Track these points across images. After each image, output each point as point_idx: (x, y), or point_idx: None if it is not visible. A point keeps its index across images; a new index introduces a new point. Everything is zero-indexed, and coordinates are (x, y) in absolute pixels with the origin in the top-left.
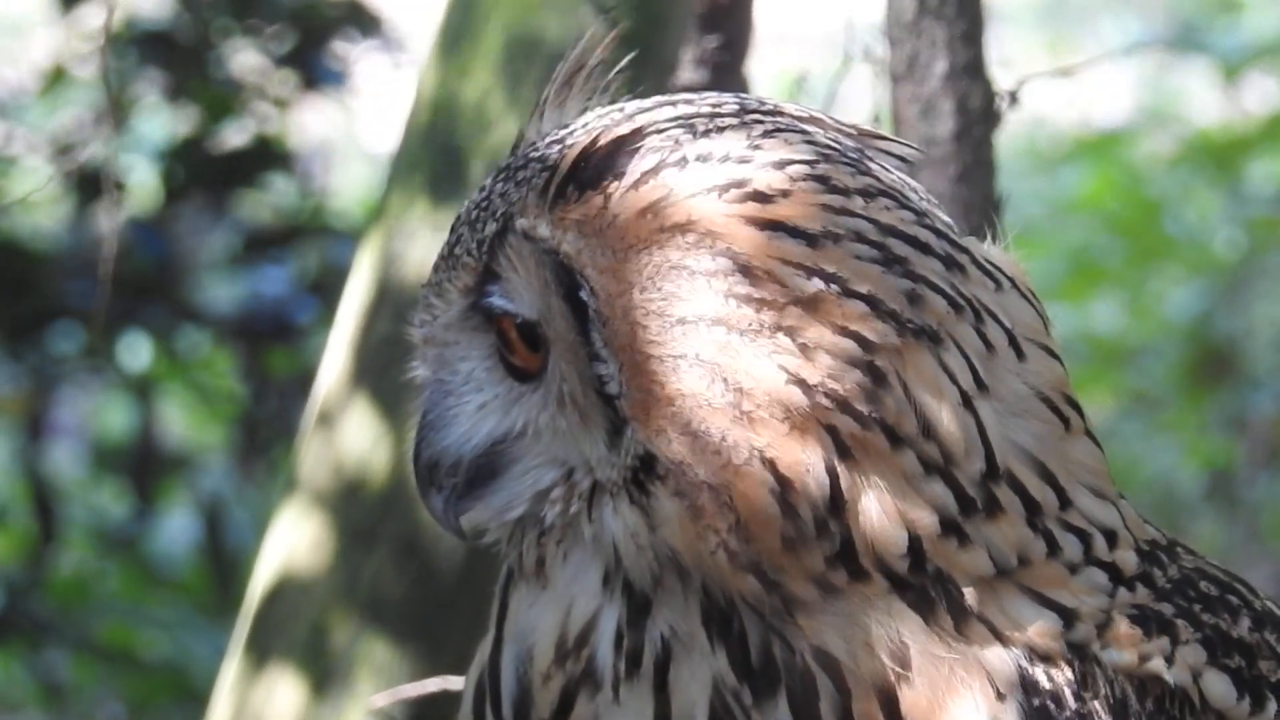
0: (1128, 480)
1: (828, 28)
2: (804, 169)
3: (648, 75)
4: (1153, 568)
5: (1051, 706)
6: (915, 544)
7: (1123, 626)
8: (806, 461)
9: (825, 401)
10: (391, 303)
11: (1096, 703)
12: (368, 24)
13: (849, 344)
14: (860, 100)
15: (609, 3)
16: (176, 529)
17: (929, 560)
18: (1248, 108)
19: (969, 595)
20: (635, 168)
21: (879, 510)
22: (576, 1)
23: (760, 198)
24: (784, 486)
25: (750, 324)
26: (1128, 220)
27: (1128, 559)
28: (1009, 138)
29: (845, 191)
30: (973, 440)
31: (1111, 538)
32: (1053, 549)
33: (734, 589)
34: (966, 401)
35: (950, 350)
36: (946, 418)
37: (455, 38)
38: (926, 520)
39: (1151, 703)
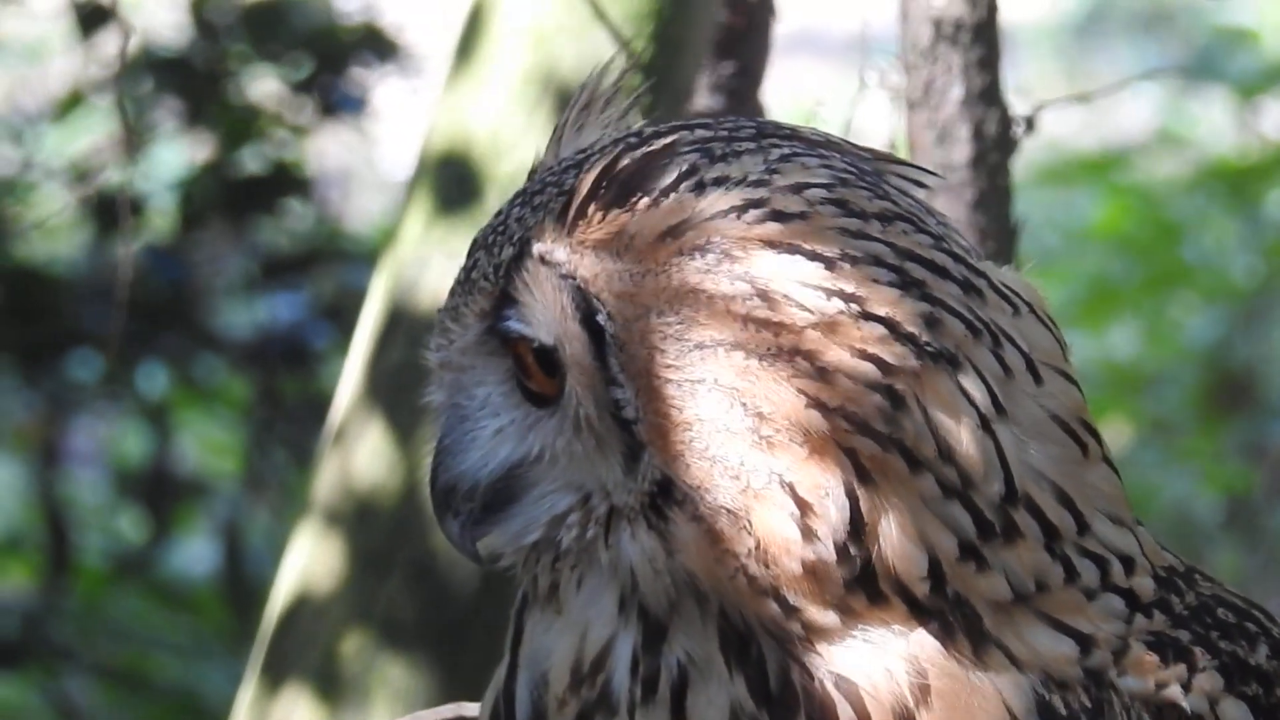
0: (1145, 507)
1: (843, 54)
2: (821, 192)
3: (664, 101)
4: (1170, 594)
5: None
6: (935, 567)
7: (1139, 653)
8: (826, 485)
9: (845, 424)
10: (406, 328)
11: None
12: (385, 49)
13: (868, 367)
14: (876, 126)
15: (625, 30)
16: (194, 555)
17: (949, 584)
18: (1265, 133)
19: (988, 621)
20: (653, 189)
21: (899, 533)
22: (592, 28)
23: (778, 220)
24: (804, 510)
25: (769, 348)
26: (1145, 246)
27: (1145, 585)
28: (1026, 164)
29: (862, 215)
30: (992, 463)
31: (1129, 564)
32: (1070, 575)
33: (752, 614)
34: (985, 424)
35: (968, 374)
36: (965, 441)
37: (470, 64)
38: (946, 544)
39: None
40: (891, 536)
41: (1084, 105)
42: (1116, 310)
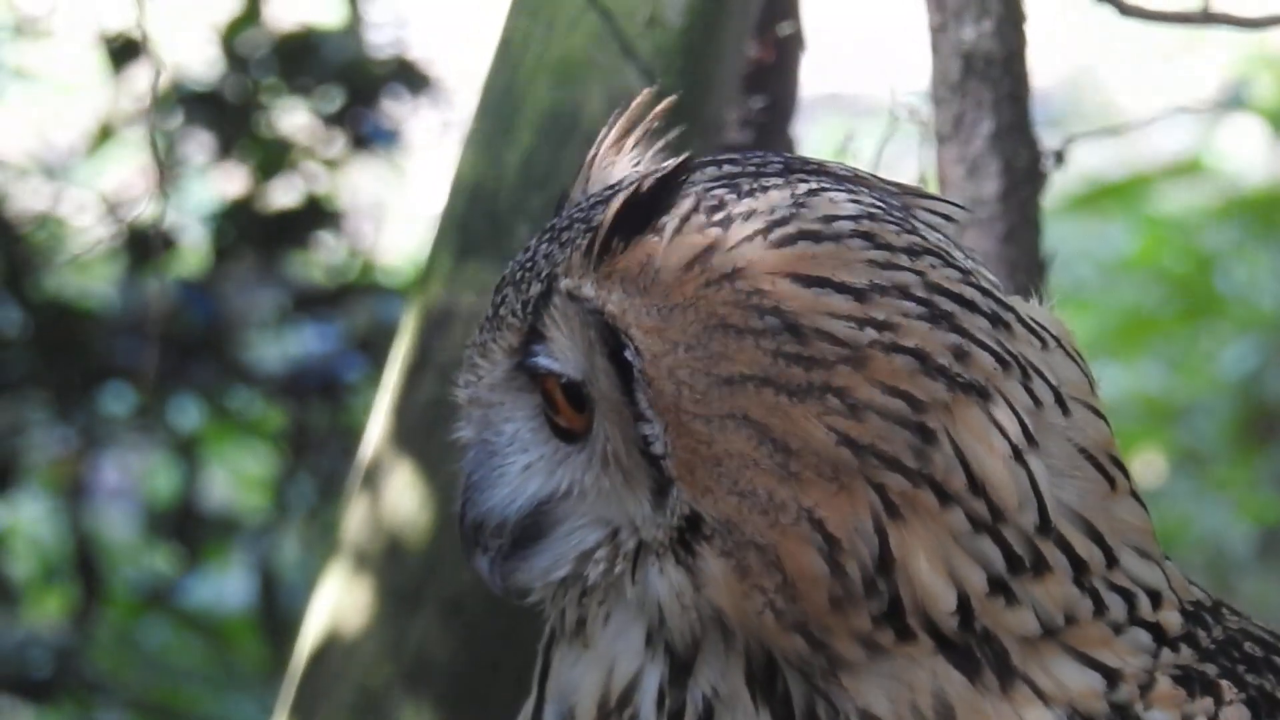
0: (1178, 539)
1: (873, 88)
2: (849, 225)
3: (693, 136)
4: (1197, 629)
5: None
6: (964, 602)
7: (1165, 687)
8: (855, 521)
9: (875, 461)
10: (436, 365)
11: None
12: (417, 82)
13: (899, 404)
14: (906, 161)
15: (654, 65)
16: (228, 588)
17: (977, 619)
18: None
19: (1015, 656)
20: (681, 223)
21: (928, 569)
22: (621, 63)
23: (805, 253)
24: (832, 546)
25: (800, 384)
26: (1177, 277)
27: (1172, 619)
28: (1055, 193)
29: (890, 248)
30: (1025, 494)
31: (1156, 598)
32: (1099, 608)
33: (779, 649)
34: (1018, 455)
35: (999, 405)
36: (997, 472)
37: (499, 99)
38: (975, 579)
39: None
40: (920, 572)
41: (1115, 137)
42: (1149, 341)
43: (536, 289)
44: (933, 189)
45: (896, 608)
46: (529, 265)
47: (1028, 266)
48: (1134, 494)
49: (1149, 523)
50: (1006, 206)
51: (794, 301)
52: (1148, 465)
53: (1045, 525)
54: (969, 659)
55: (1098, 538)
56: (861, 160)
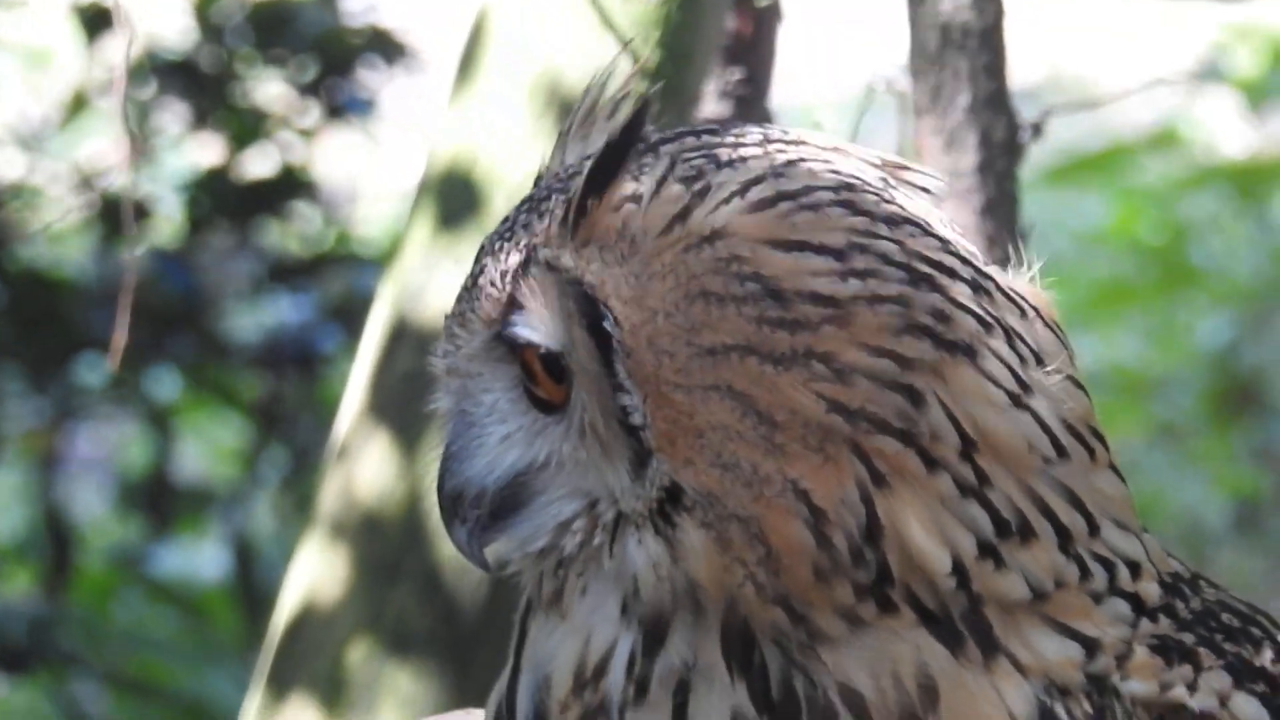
0: (1154, 511)
1: (851, 61)
2: (829, 194)
3: (671, 108)
4: (1175, 600)
5: None
6: (959, 566)
7: (1143, 656)
8: (841, 491)
9: (866, 425)
10: (412, 336)
11: None
12: (392, 51)
13: (886, 364)
14: (884, 133)
15: (632, 37)
16: (204, 560)
17: (973, 581)
18: (1273, 135)
19: (998, 628)
20: (657, 190)
21: (921, 533)
22: (599, 36)
23: (784, 219)
24: (818, 518)
25: (784, 350)
26: (1154, 249)
27: (1151, 590)
28: (1031, 165)
29: (870, 216)
30: (1035, 434)
31: (1135, 569)
32: (1085, 573)
33: (758, 622)
34: (1016, 401)
35: (988, 359)
36: (998, 423)
37: (476, 71)
38: (965, 543)
39: None
40: (913, 536)
41: (1092, 110)
42: (1125, 313)
43: (515, 259)
44: (911, 162)
45: (883, 578)
46: (507, 235)
47: (1006, 239)
48: (1113, 467)
49: (1128, 495)
50: (984, 179)
51: (774, 266)
52: (1124, 438)
53: (1061, 455)
54: (952, 632)
55: (1080, 505)
56: (839, 133)
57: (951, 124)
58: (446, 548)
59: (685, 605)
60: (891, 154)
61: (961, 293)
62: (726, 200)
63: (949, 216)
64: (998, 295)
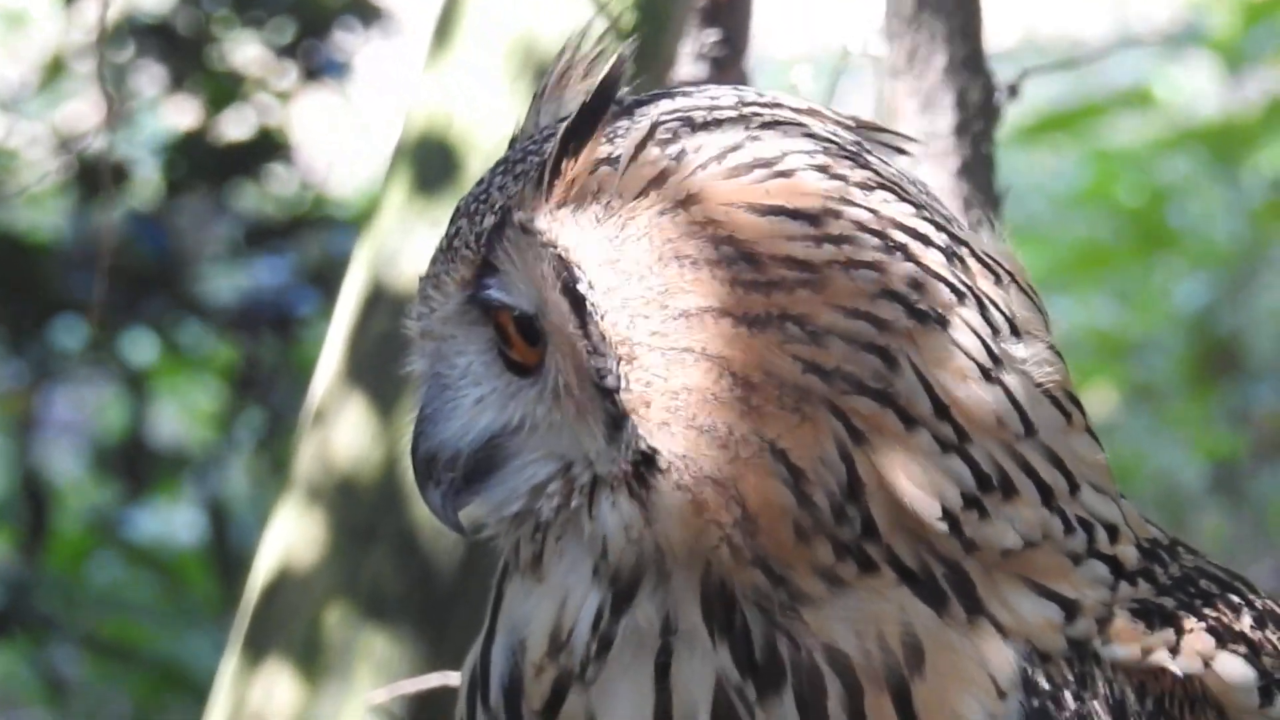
0: (1132, 474)
1: (826, 23)
2: (804, 158)
3: (646, 70)
4: (1154, 565)
5: (1051, 707)
6: (948, 514)
7: (1124, 621)
8: (820, 450)
9: (843, 385)
10: (388, 299)
11: (1095, 703)
12: (368, 13)
13: (861, 325)
14: (860, 95)
15: None
16: (180, 523)
17: (963, 528)
18: (1248, 97)
19: (980, 587)
20: (634, 153)
21: (908, 483)
22: None
23: (759, 183)
24: (797, 477)
25: (759, 313)
26: (1131, 211)
27: (1129, 553)
28: (1006, 125)
29: (845, 182)
30: (1005, 409)
31: (1113, 532)
32: (1068, 528)
33: (737, 582)
34: (987, 375)
35: (960, 330)
36: (968, 395)
37: (452, 35)
38: (950, 494)
39: (1151, 702)
40: (899, 487)
41: (1068, 71)
42: (1102, 275)
43: (490, 221)
44: (886, 123)
45: (868, 534)
46: (483, 197)
47: (982, 200)
48: (1089, 432)
49: (1104, 460)
50: (960, 140)
51: (749, 230)
52: (1101, 401)
53: (1030, 431)
54: (935, 591)
55: (1060, 464)
56: (815, 95)
57: (928, 85)
58: (422, 511)
59: (654, 567)
60: (867, 116)
61: (935, 260)
62: (703, 165)
63: (924, 180)
64: (972, 262)
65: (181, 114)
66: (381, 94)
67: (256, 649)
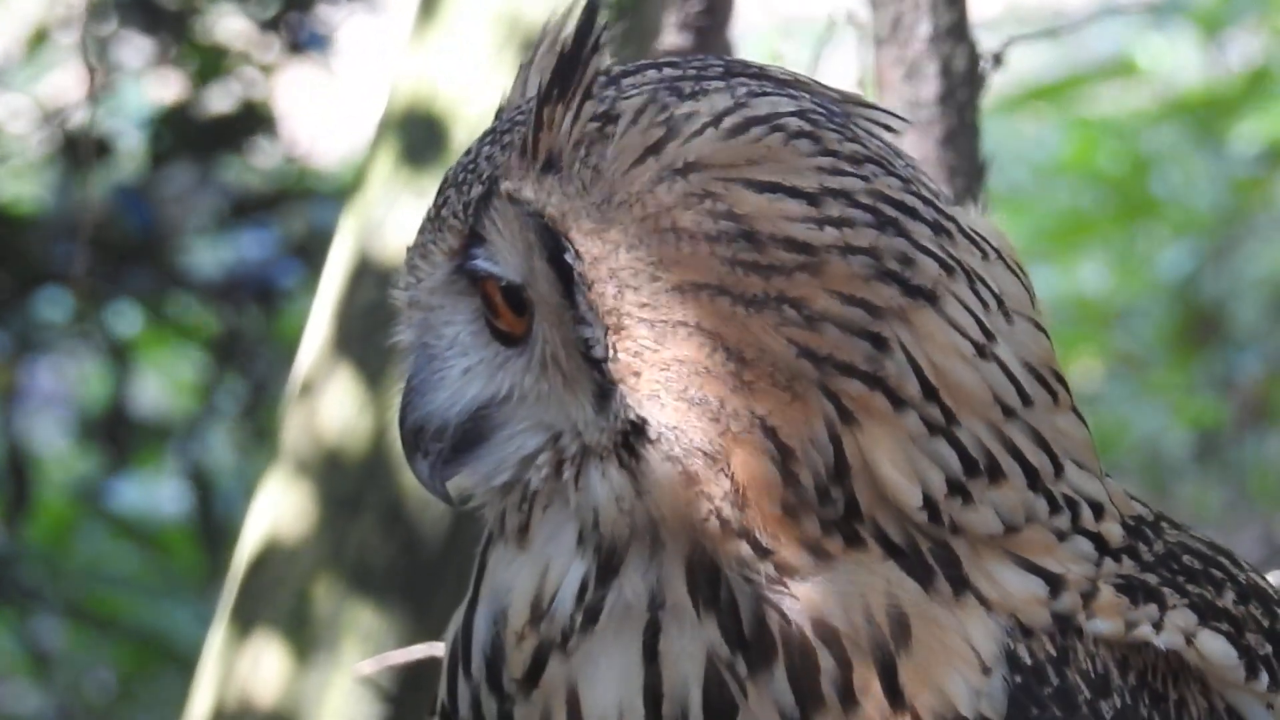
0: (1115, 443)
1: None
2: (796, 127)
3: (632, 40)
4: (1139, 542)
5: (1034, 683)
6: (929, 501)
7: (1108, 595)
8: (809, 429)
9: (833, 370)
10: (373, 270)
11: (1078, 678)
12: None
13: (856, 313)
14: (844, 63)
15: None
16: (165, 494)
17: (943, 514)
18: (1230, 66)
19: (965, 562)
20: (629, 122)
21: (891, 468)
22: None
23: (757, 151)
24: (785, 454)
25: (756, 293)
26: (1114, 180)
27: (1113, 531)
28: (990, 96)
29: (835, 154)
30: (1001, 385)
31: (1098, 509)
32: (1054, 508)
33: (723, 554)
34: (981, 351)
35: (951, 304)
36: (961, 373)
37: (438, 4)
38: (934, 479)
39: (1134, 676)
40: (883, 471)
41: (1051, 40)
42: (1086, 245)
43: (477, 191)
44: (871, 92)
45: (850, 513)
46: (471, 167)
47: (966, 170)
48: (1074, 409)
49: (1089, 438)
50: (945, 109)
51: (748, 205)
52: (1084, 369)
53: (1026, 401)
54: (922, 565)
55: (1045, 446)
56: (799, 64)
57: (912, 54)
58: (409, 481)
59: (643, 538)
60: (852, 87)
61: (923, 234)
62: (699, 132)
63: (909, 149)
64: (959, 237)
65: (165, 87)
66: (365, 66)
67: (244, 620)
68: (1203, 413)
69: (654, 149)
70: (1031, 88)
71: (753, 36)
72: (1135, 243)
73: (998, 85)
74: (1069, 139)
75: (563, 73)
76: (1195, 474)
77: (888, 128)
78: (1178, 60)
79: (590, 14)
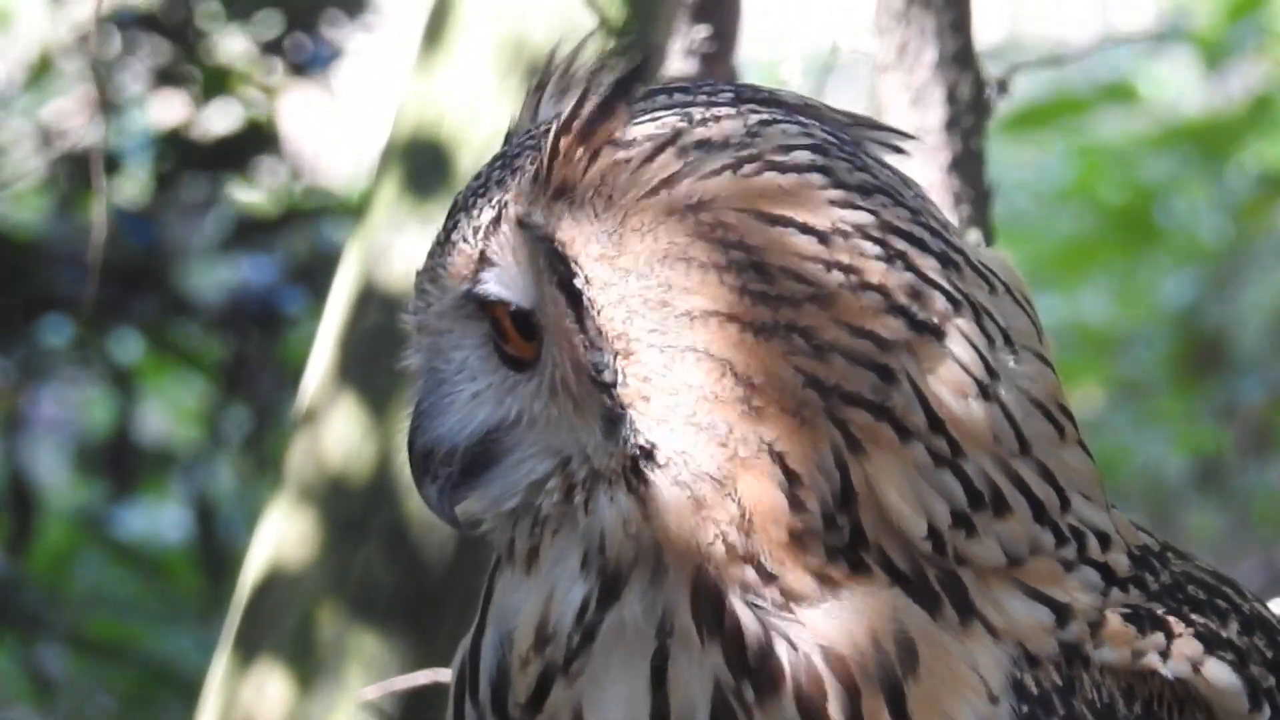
0: (1117, 469)
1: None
2: (807, 160)
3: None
4: (1144, 572)
5: (1040, 712)
6: (935, 532)
7: (1116, 624)
8: (817, 456)
9: (839, 401)
10: (379, 295)
11: (1084, 708)
12: (355, 7)
13: (865, 344)
14: (850, 90)
15: None
16: (167, 521)
17: (947, 545)
18: (1232, 94)
19: (972, 590)
20: (643, 151)
21: (897, 498)
22: None
23: (771, 187)
24: (792, 480)
25: (766, 322)
26: (1116, 208)
27: (1120, 561)
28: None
29: (846, 187)
30: (1000, 426)
31: (1104, 540)
32: (1060, 540)
33: (727, 580)
34: (984, 391)
35: (957, 340)
36: (963, 410)
37: (442, 31)
38: (939, 510)
39: (1140, 705)
40: (889, 501)
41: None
42: (1088, 272)
43: (487, 215)
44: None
45: (855, 541)
46: (481, 191)
47: (972, 196)
48: (1080, 443)
49: (1095, 471)
50: (950, 136)
51: (758, 238)
52: (1086, 397)
53: (1025, 449)
54: (928, 593)
55: (1051, 480)
56: (805, 90)
57: (918, 81)
58: (413, 506)
59: (646, 562)
60: (860, 111)
61: (931, 268)
62: (713, 165)
63: (914, 175)
64: (966, 270)
65: (168, 109)
66: (368, 88)
67: (248, 647)
68: (1204, 440)
69: (667, 181)
70: (1031, 112)
71: (758, 62)
72: (1137, 270)
73: (999, 111)
74: (1071, 166)
75: (593, 116)
76: (1197, 501)
77: (897, 149)
78: (1179, 87)
79: (636, 68)
